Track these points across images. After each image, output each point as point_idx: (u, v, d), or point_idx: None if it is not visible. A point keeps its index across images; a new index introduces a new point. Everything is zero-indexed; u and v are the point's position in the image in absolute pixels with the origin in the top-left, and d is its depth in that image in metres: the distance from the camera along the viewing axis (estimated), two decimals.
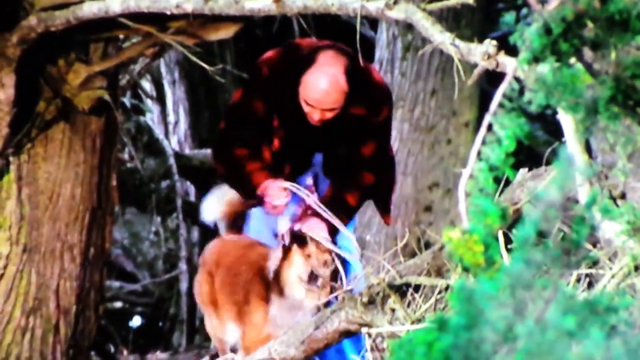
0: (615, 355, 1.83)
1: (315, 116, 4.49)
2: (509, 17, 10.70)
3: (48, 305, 4.21)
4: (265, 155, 4.66)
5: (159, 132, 9.59)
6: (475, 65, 3.45)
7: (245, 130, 4.63)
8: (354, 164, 4.66)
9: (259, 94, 4.61)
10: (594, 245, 3.32)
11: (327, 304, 4.10)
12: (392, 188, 5.00)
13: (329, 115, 4.49)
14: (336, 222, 4.33)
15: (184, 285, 8.42)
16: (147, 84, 10.27)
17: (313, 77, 4.45)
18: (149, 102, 10.36)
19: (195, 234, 9.52)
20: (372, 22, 9.47)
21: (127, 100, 8.69)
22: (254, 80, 4.69)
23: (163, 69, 10.69)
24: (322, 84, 4.43)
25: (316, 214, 4.39)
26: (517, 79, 2.73)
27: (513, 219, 3.63)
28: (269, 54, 4.67)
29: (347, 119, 4.57)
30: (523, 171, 3.83)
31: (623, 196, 3.14)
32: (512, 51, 2.88)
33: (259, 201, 4.56)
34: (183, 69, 10.71)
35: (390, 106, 4.80)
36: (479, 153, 2.69)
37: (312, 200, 4.42)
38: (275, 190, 4.51)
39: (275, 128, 4.62)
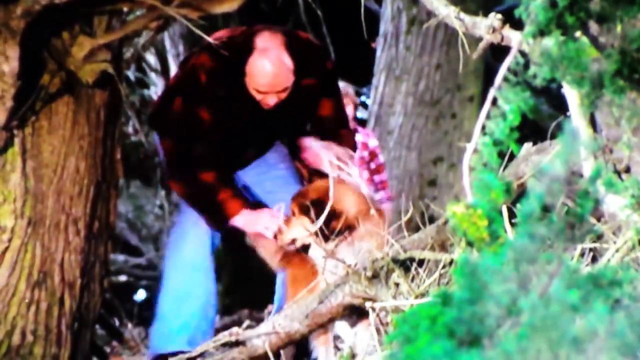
0: (618, 329, 1.83)
1: (270, 101, 4.41)
2: None
3: (53, 278, 4.22)
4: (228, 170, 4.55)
5: None
6: (480, 39, 3.44)
7: (200, 145, 4.46)
8: (320, 130, 4.60)
9: (201, 101, 4.46)
10: (598, 219, 3.32)
11: None
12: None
13: (283, 95, 4.43)
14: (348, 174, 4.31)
15: None
16: (151, 57, 10.25)
17: (258, 64, 4.36)
18: (153, 75, 10.34)
19: None
20: None
21: (131, 73, 8.68)
22: (192, 89, 4.49)
23: (167, 42, 10.68)
24: (269, 68, 4.35)
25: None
26: (522, 53, 2.72)
27: (517, 194, 3.63)
28: (200, 58, 4.48)
29: (301, 92, 4.50)
30: (527, 145, 3.82)
31: (628, 170, 3.14)
32: (518, 25, 2.87)
33: (231, 230, 4.46)
34: (187, 42, 10.69)
35: (330, 60, 4.74)
36: (483, 127, 2.68)
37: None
38: (268, 219, 4.40)
39: (227, 129, 4.50)
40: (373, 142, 7.11)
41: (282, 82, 4.39)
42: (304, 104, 4.57)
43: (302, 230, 4.29)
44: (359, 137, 7.04)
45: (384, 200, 7.05)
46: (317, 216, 4.22)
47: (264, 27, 4.49)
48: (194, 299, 4.52)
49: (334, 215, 4.23)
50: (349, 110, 6.98)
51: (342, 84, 7.01)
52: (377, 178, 7.09)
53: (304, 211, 4.29)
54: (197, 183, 4.44)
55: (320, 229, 4.22)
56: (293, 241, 4.37)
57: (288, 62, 4.38)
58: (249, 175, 4.71)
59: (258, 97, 4.42)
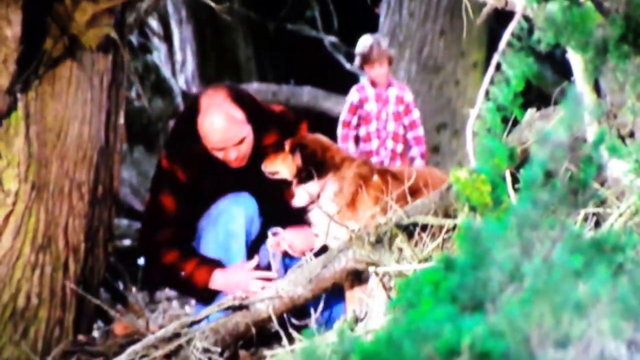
0: (621, 293, 1.84)
1: (231, 155, 4.35)
2: None
3: (57, 243, 4.23)
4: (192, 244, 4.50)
5: (166, 71, 9.57)
6: (484, 5, 3.42)
7: (162, 231, 4.44)
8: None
9: (164, 189, 4.46)
10: (602, 184, 3.32)
11: None
12: None
13: (243, 148, 4.36)
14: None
15: None
16: (154, 23, 10.22)
17: (206, 122, 4.31)
18: (156, 40, 10.31)
19: None
20: None
21: (134, 38, 8.65)
22: (157, 179, 4.53)
23: (170, 8, 10.64)
24: (217, 122, 4.30)
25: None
26: (526, 18, 2.71)
27: (521, 159, 3.63)
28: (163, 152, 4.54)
29: (265, 152, 4.44)
30: (531, 111, 3.81)
31: (631, 135, 3.13)
32: None
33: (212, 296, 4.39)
34: (190, 7, 10.65)
35: (305, 125, 4.65)
36: (487, 93, 2.68)
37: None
38: (242, 275, 4.34)
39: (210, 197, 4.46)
40: (408, 97, 7.00)
41: (235, 134, 4.33)
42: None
43: (282, 165, 4.33)
44: (394, 91, 6.98)
45: (416, 156, 6.99)
46: (303, 159, 4.28)
47: (208, 87, 4.49)
48: None
49: (316, 158, 4.30)
50: (385, 67, 6.93)
51: (375, 38, 6.97)
52: (410, 134, 7.00)
53: (292, 151, 4.34)
54: (163, 265, 4.42)
55: (302, 170, 4.28)
56: (273, 173, 4.39)
57: (236, 112, 4.34)
58: None
59: (219, 155, 4.37)
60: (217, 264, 4.39)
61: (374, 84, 6.94)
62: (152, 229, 4.47)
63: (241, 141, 4.35)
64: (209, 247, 4.43)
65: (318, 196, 4.32)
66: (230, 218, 4.39)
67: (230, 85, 4.53)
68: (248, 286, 4.26)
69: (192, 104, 4.46)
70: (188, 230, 4.48)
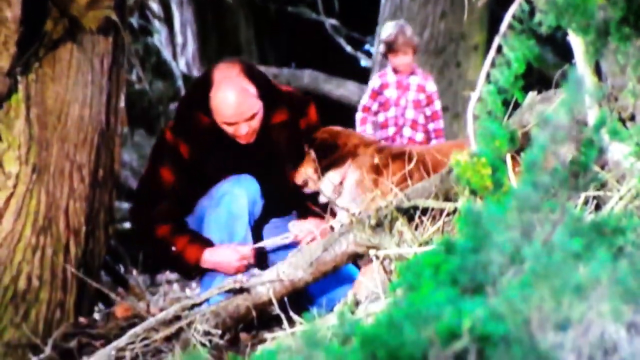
0: (621, 276, 1.84)
1: (242, 130, 4.33)
2: None
3: (58, 225, 4.23)
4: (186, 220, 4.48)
5: (167, 53, 9.56)
6: None
7: (158, 204, 4.42)
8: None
9: (164, 161, 4.43)
10: (602, 168, 3.31)
11: None
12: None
13: (254, 124, 4.34)
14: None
15: None
16: (154, 5, 10.20)
17: (219, 95, 4.29)
18: (156, 23, 10.29)
19: None
20: None
21: (134, 21, 8.64)
22: (157, 152, 4.51)
23: None
24: (231, 96, 4.27)
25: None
26: (527, 0, 2.70)
27: (522, 142, 3.62)
28: (169, 124, 4.53)
29: (273, 130, 4.45)
30: (532, 94, 3.81)
31: (632, 118, 3.13)
32: None
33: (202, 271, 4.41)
34: None
35: (314, 107, 4.63)
36: (488, 75, 2.68)
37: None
38: (229, 254, 4.35)
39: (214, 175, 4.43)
40: (431, 87, 6.94)
41: (248, 108, 4.31)
42: (280, 143, 4.49)
43: (308, 170, 4.35)
44: (415, 79, 6.93)
45: None
46: (316, 151, 4.31)
47: (221, 61, 4.44)
48: None
49: (327, 146, 4.30)
50: (410, 56, 6.87)
51: (400, 26, 6.93)
52: (432, 125, 6.94)
53: (308, 151, 4.37)
54: (155, 238, 4.41)
55: (319, 161, 4.30)
56: (305, 183, 4.40)
57: (249, 87, 4.32)
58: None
59: (229, 130, 4.34)
60: (208, 242, 4.39)
61: (396, 71, 6.89)
62: (148, 202, 4.45)
63: (253, 116, 4.33)
64: (211, 228, 4.43)
65: (341, 184, 4.34)
66: (233, 199, 4.39)
67: (243, 60, 4.51)
68: (231, 266, 4.30)
69: (204, 77, 4.44)
70: (184, 207, 4.47)
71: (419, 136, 6.86)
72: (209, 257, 4.38)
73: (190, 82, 5.32)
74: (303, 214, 4.52)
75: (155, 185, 4.44)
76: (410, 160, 4.21)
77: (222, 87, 4.29)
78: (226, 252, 4.37)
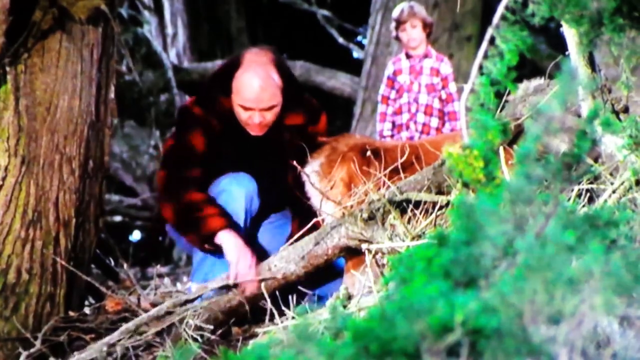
0: (614, 269, 1.83)
1: (255, 119, 4.31)
2: None
3: (48, 218, 4.21)
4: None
5: (157, 44, 9.53)
6: None
7: (195, 170, 4.36)
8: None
9: (195, 130, 4.38)
10: (595, 160, 3.31)
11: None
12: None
13: (269, 116, 4.33)
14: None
15: None
16: None
17: (244, 77, 4.28)
18: (146, 13, 10.26)
19: None
20: None
21: (124, 11, 8.60)
22: (187, 121, 4.44)
23: None
24: (255, 82, 4.27)
25: None
26: None
27: (514, 134, 3.61)
28: (191, 99, 4.50)
29: (285, 131, 4.43)
30: (525, 84, 3.79)
31: (626, 110, 3.12)
32: None
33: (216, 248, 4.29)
34: None
35: (325, 117, 4.61)
36: (480, 67, 2.66)
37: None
38: (245, 265, 4.15)
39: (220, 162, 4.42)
40: (445, 69, 6.77)
41: (269, 97, 4.30)
42: (287, 144, 4.47)
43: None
44: (429, 62, 6.84)
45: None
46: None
47: (255, 46, 4.45)
48: None
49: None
50: (419, 31, 6.80)
51: (409, 4, 6.89)
52: (446, 108, 6.83)
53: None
54: (185, 201, 4.31)
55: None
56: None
57: (276, 77, 4.31)
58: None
59: (244, 115, 4.32)
60: (235, 226, 4.32)
61: (408, 55, 6.81)
62: (179, 167, 4.37)
63: (270, 108, 4.32)
64: None
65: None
66: (231, 197, 4.36)
67: (276, 52, 4.49)
68: (234, 265, 4.19)
69: (235, 58, 4.43)
70: (212, 176, 4.41)
71: (434, 122, 6.70)
72: (226, 238, 4.23)
73: (183, 72, 5.29)
74: (297, 212, 4.51)
75: (187, 152, 4.38)
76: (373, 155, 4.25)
77: (249, 69, 4.29)
78: (243, 258, 4.18)
